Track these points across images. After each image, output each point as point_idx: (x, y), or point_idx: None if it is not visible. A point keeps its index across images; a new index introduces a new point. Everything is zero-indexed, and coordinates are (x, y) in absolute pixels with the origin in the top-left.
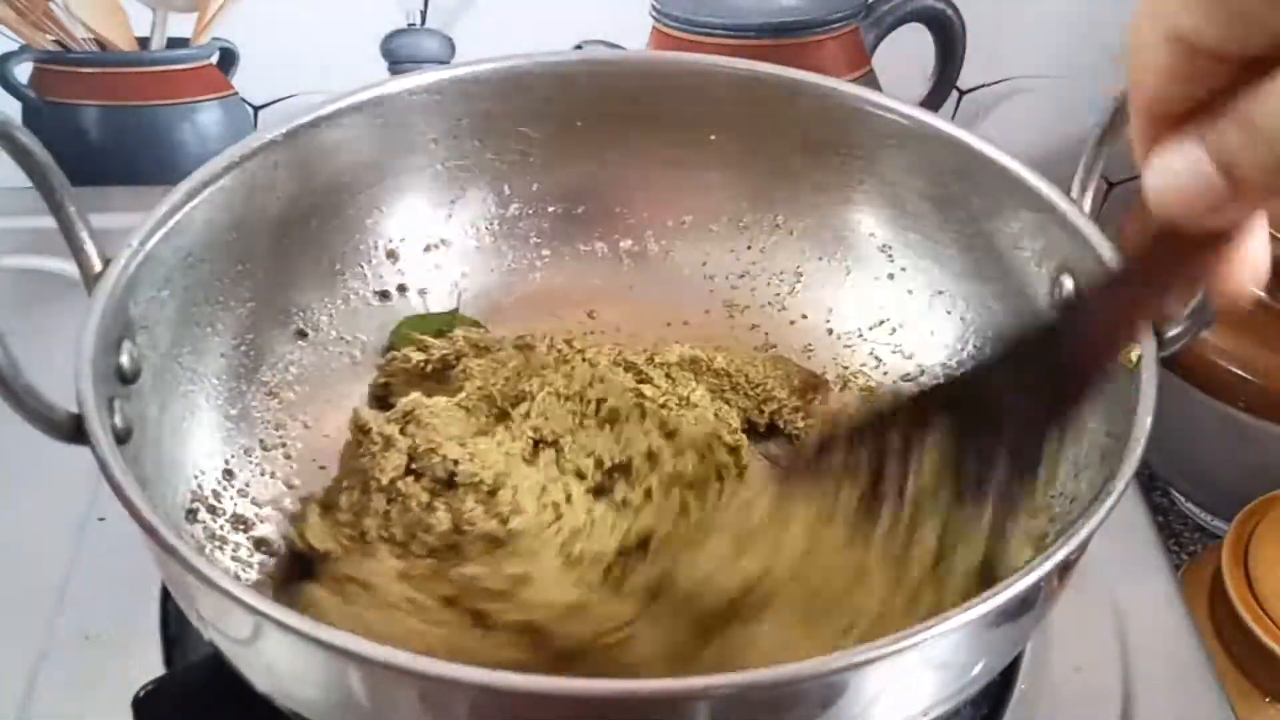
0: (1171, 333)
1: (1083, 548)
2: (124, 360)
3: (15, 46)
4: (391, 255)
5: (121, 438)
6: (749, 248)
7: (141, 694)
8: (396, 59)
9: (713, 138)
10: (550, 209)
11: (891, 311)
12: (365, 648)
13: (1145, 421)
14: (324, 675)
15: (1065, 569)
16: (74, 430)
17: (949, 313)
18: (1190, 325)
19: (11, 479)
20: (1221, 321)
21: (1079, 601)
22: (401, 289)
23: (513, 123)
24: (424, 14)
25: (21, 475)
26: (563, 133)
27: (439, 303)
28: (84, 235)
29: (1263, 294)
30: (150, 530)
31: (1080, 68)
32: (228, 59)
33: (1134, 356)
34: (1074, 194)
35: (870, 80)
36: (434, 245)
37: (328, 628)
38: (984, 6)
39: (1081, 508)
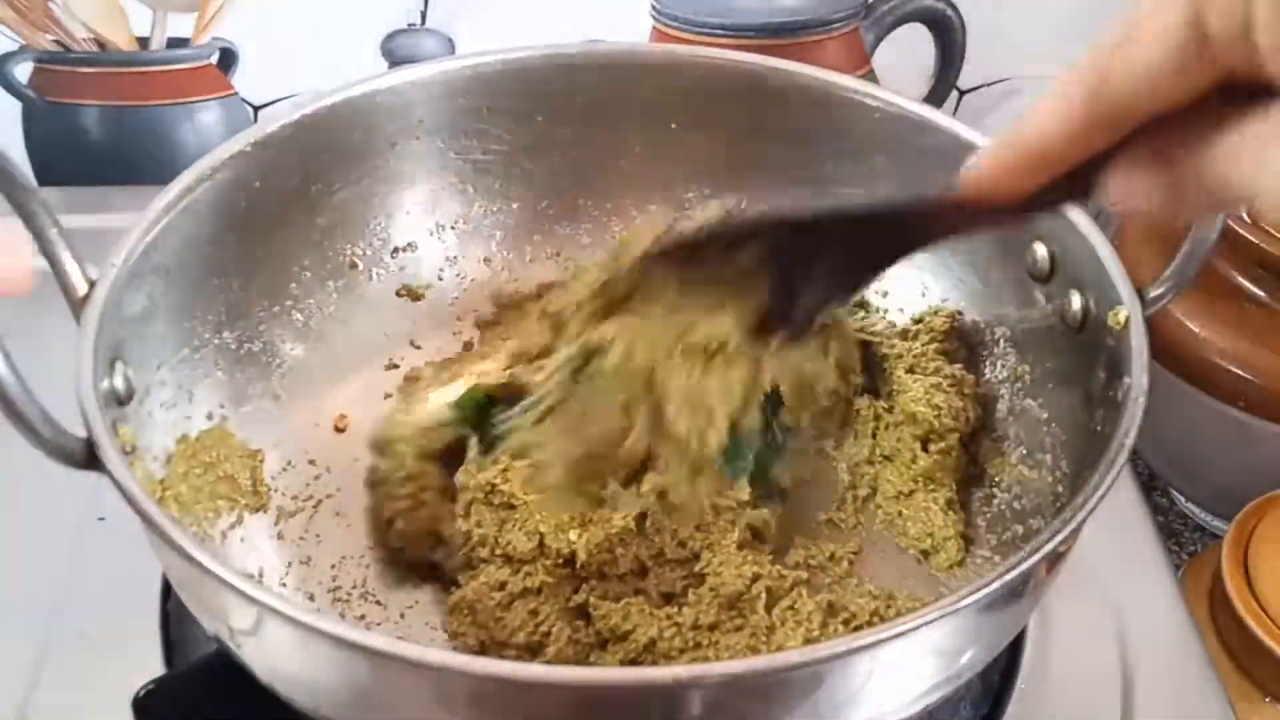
0: (1154, 293)
1: (1074, 536)
2: (118, 382)
3: (15, 46)
4: (360, 260)
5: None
6: None
7: (141, 694)
8: (396, 59)
9: (673, 126)
10: (514, 206)
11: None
12: (365, 638)
13: (1141, 380)
14: (333, 668)
15: (1055, 559)
16: (87, 457)
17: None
18: (1171, 285)
19: (11, 478)
20: (1222, 321)
21: (1079, 601)
22: (375, 293)
23: (473, 121)
24: (424, 14)
25: (21, 475)
26: (524, 129)
27: (413, 308)
28: (65, 256)
29: (1262, 294)
30: (189, 558)
31: None
32: (228, 59)
33: (1121, 318)
34: None
35: (870, 80)
36: (400, 249)
37: (330, 619)
38: (984, 6)
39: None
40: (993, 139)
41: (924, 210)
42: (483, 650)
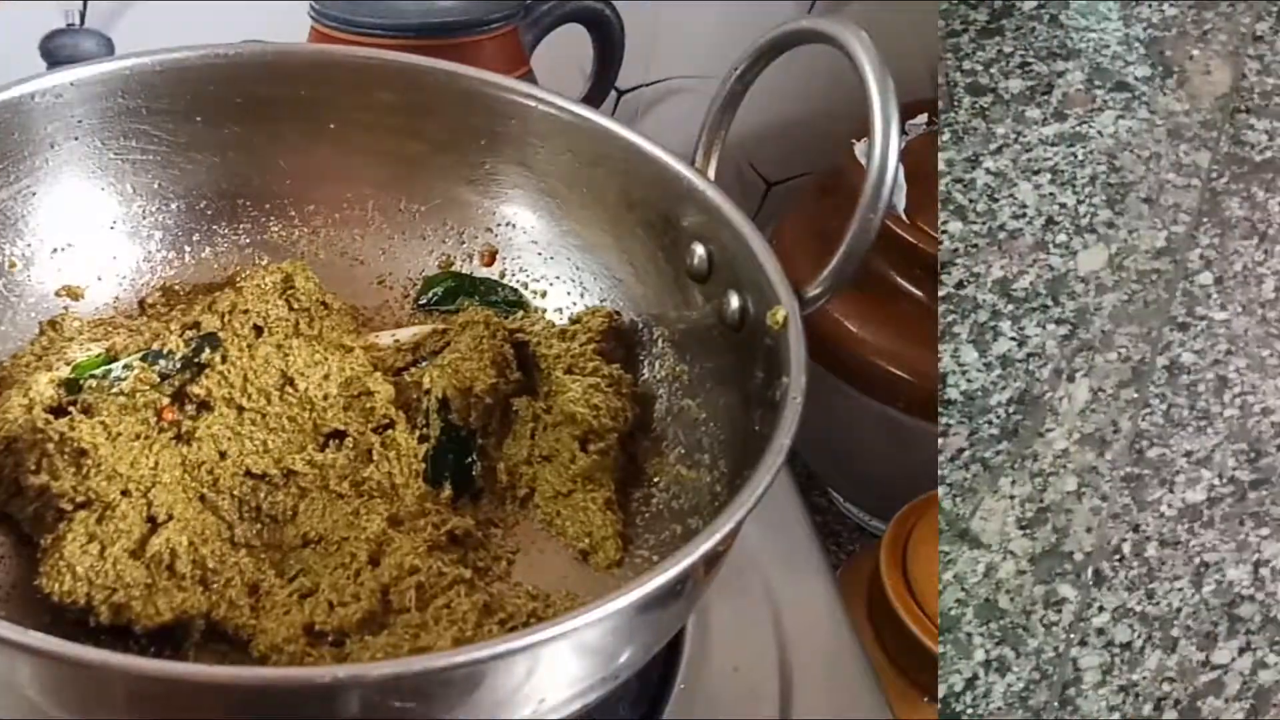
0: (812, 292)
1: (732, 536)
2: None
3: None
4: (19, 260)
5: None
6: (387, 235)
7: None
8: (56, 59)
9: (331, 126)
10: (173, 205)
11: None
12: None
13: (800, 380)
14: None
15: (713, 559)
16: None
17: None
18: (829, 285)
19: None
20: (880, 321)
21: (737, 601)
22: (35, 293)
23: (132, 121)
24: (83, 14)
25: None
26: (183, 129)
27: (73, 308)
28: None
29: (920, 294)
30: None
31: None
32: None
33: (779, 318)
34: (698, 163)
35: (529, 81)
36: (59, 249)
37: None
38: (642, 9)
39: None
40: None
41: None
42: (89, 604)
